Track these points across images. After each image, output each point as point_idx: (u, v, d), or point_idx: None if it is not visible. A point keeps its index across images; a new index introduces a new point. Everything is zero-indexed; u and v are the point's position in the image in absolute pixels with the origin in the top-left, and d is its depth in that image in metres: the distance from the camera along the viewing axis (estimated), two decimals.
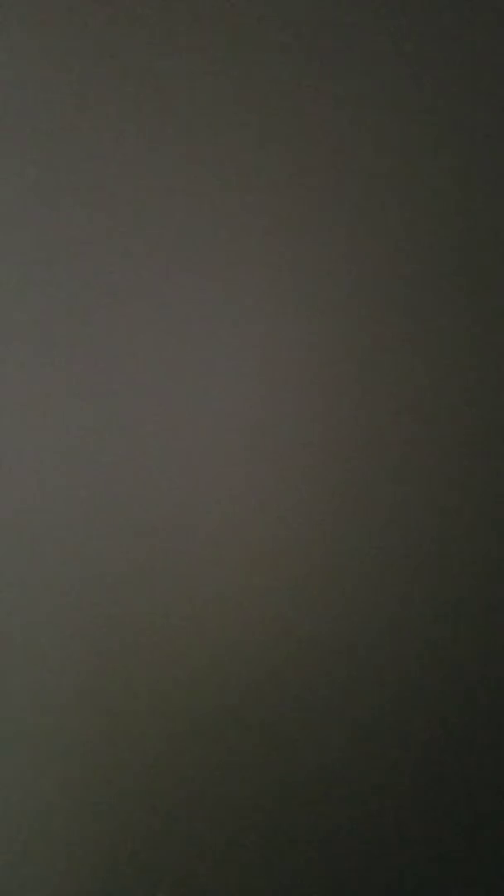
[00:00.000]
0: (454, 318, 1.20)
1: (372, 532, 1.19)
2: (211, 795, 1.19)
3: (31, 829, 1.18)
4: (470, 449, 1.19)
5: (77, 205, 1.19)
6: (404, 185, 1.19)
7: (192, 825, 1.19)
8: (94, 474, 1.19)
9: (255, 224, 1.19)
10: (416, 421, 1.19)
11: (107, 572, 1.18)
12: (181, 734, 1.18)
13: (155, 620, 1.18)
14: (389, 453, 1.19)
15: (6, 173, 1.19)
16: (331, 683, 1.19)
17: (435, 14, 1.19)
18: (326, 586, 1.19)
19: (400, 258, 1.20)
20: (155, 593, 1.19)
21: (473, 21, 1.19)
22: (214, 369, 1.19)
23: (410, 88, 1.19)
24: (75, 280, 1.19)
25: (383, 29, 1.19)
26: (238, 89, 1.19)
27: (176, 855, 1.19)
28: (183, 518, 1.19)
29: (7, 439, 1.19)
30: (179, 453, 1.19)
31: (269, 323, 1.19)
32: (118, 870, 1.19)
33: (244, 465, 1.19)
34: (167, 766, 1.19)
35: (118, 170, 1.19)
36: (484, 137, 1.20)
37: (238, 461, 1.19)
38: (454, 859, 1.19)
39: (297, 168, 1.19)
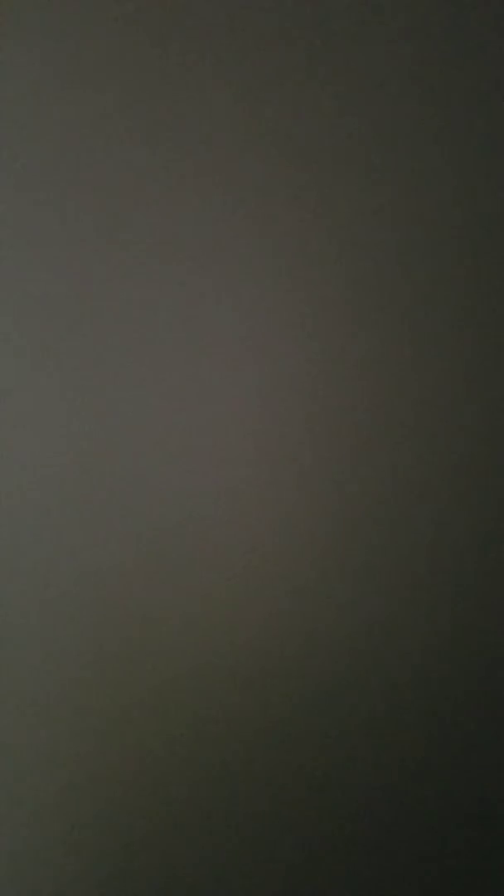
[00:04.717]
0: (455, 326, 1.20)
1: (373, 532, 1.19)
2: (211, 792, 1.19)
3: (31, 828, 1.18)
4: (471, 449, 1.20)
5: (79, 211, 1.19)
6: (406, 191, 1.20)
7: (192, 823, 1.19)
8: (96, 475, 1.19)
9: (256, 230, 1.19)
10: (416, 426, 1.19)
11: (108, 572, 1.19)
12: (181, 732, 1.19)
13: (155, 619, 1.19)
14: (389, 456, 1.19)
15: (8, 180, 1.19)
16: (331, 681, 1.19)
17: (435, 15, 1.19)
18: (327, 585, 1.19)
19: (401, 264, 1.20)
20: (155, 593, 1.19)
21: (473, 22, 1.19)
22: (215, 370, 1.20)
23: (411, 94, 1.19)
24: (78, 284, 1.20)
25: (383, 30, 1.19)
26: (238, 94, 1.19)
27: (176, 853, 1.19)
28: (183, 519, 1.19)
29: (9, 440, 1.19)
30: (180, 455, 1.19)
31: (269, 327, 1.19)
32: (118, 868, 1.19)
33: (245, 466, 1.19)
34: (167, 763, 1.19)
35: (119, 176, 1.20)
36: (487, 148, 1.20)
37: (239, 463, 1.19)
38: (454, 857, 1.19)
39: (298, 178, 1.19)
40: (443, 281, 1.19)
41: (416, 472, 1.19)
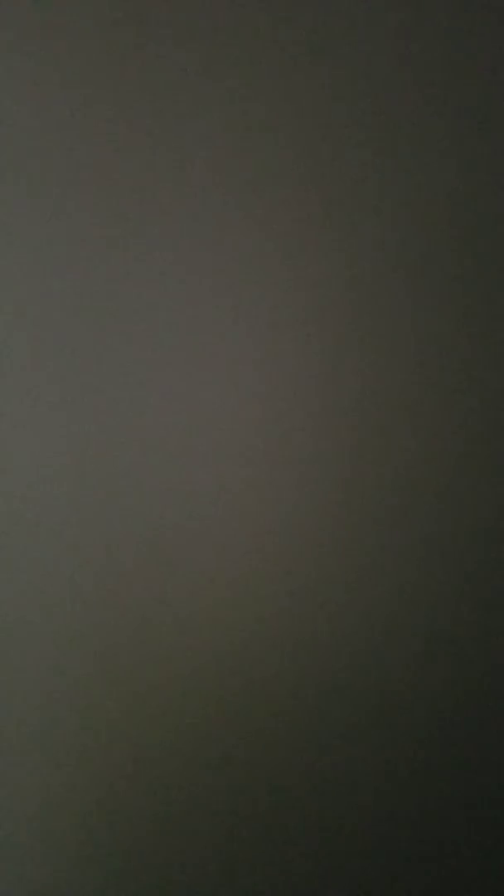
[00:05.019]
0: (455, 326, 1.20)
1: (373, 532, 1.19)
2: (211, 792, 1.19)
3: (32, 827, 1.18)
4: (471, 449, 1.20)
5: (79, 211, 1.19)
6: (406, 191, 1.20)
7: (192, 822, 1.19)
8: (96, 475, 1.19)
9: (256, 230, 1.19)
10: (416, 426, 1.19)
11: (108, 572, 1.19)
12: (181, 731, 1.19)
13: (155, 619, 1.19)
14: (390, 455, 1.19)
15: (8, 180, 1.19)
16: (331, 681, 1.19)
17: (435, 15, 1.20)
18: (327, 585, 1.19)
19: (401, 264, 1.20)
20: (155, 593, 1.19)
21: (473, 22, 1.20)
22: (215, 370, 1.20)
23: (411, 94, 1.20)
24: (78, 284, 1.20)
25: (383, 29, 1.19)
26: (239, 94, 1.19)
27: (176, 853, 1.19)
28: (183, 519, 1.19)
29: (9, 440, 1.19)
30: (180, 455, 1.19)
31: (270, 327, 1.19)
32: (118, 867, 1.19)
33: (245, 466, 1.19)
34: (167, 763, 1.19)
35: (120, 176, 1.20)
36: (487, 148, 1.20)
37: (239, 463, 1.19)
38: (454, 857, 1.19)
39: (298, 178, 1.19)
40: (443, 281, 1.20)
41: (416, 471, 1.19)
